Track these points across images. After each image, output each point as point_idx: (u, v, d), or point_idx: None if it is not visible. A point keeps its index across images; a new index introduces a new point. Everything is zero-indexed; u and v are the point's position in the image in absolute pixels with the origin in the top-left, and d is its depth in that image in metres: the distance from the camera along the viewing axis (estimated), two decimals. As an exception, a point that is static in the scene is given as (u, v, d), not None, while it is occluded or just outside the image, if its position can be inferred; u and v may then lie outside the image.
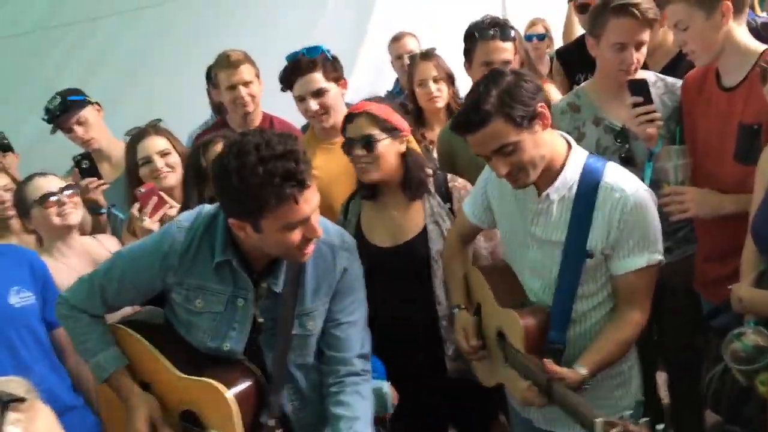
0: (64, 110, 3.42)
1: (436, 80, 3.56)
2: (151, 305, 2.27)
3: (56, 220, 2.72)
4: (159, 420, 2.06)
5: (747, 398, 2.04)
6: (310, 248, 1.95)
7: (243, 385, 2.02)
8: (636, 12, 2.53)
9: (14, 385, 1.06)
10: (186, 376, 2.04)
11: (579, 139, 2.76)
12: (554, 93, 3.50)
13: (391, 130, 2.54)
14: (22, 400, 1.03)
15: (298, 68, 2.94)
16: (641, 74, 2.71)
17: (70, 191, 2.78)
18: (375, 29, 5.26)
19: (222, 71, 3.51)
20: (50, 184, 2.76)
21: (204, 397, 2.01)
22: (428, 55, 3.64)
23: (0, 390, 1.02)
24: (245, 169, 1.78)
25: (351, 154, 2.57)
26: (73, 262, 2.77)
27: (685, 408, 3.17)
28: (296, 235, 1.88)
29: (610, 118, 2.74)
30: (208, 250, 2.03)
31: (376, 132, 2.52)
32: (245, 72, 3.49)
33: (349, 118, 2.59)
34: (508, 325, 2.17)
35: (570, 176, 2.12)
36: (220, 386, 1.97)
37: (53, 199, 2.71)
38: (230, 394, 1.96)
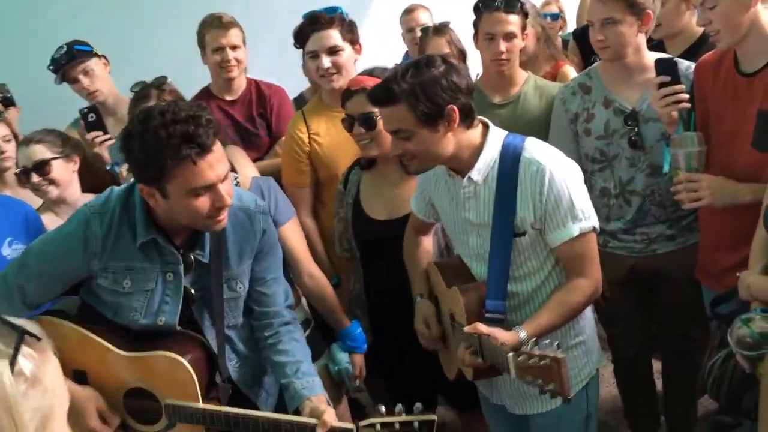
0: (70, 58, 3.37)
1: (450, 56, 3.51)
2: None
3: (35, 193, 2.73)
4: (105, 410, 2.08)
5: (747, 387, 2.03)
6: (223, 216, 1.96)
7: (192, 351, 2.08)
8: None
9: (31, 326, 1.06)
10: (133, 354, 2.04)
11: (588, 120, 2.76)
12: (573, 74, 3.46)
13: None
14: (38, 338, 1.04)
15: (316, 22, 2.91)
16: (654, 56, 2.67)
17: (45, 165, 2.71)
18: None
19: (210, 32, 3.43)
20: (29, 156, 2.71)
21: (156, 370, 2.04)
22: (441, 30, 3.58)
23: (20, 323, 1.04)
24: (147, 133, 1.83)
25: (351, 131, 2.59)
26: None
27: (679, 396, 3.18)
28: (203, 202, 1.90)
29: (621, 101, 2.71)
30: (128, 231, 2.03)
31: (375, 109, 2.48)
32: (234, 35, 3.43)
33: (348, 94, 2.59)
34: (454, 302, 2.19)
35: (490, 155, 2.12)
36: (176, 356, 2.01)
37: (26, 176, 2.70)
38: (186, 360, 2.02)
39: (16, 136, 3.11)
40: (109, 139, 3.09)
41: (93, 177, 2.98)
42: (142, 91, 2.88)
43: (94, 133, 3.06)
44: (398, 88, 2.00)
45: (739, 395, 2.08)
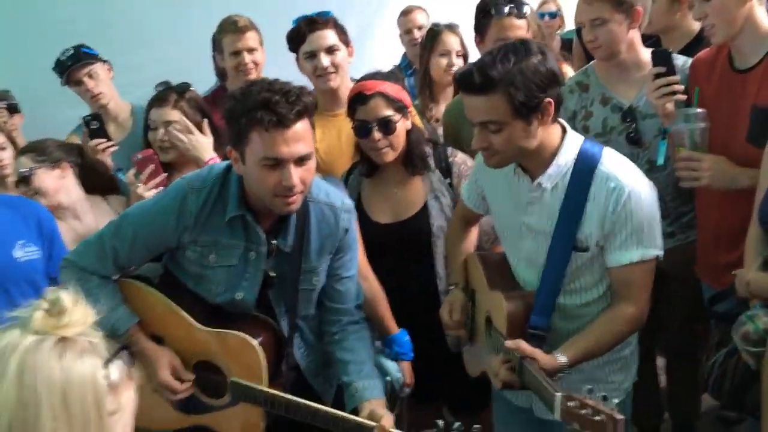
0: (76, 60, 3.40)
1: (458, 54, 3.54)
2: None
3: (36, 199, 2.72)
4: (180, 367, 2.15)
5: (750, 384, 2.04)
6: (293, 200, 1.97)
7: (263, 335, 2.11)
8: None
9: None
10: (207, 328, 2.11)
11: (586, 118, 2.76)
12: (569, 72, 3.47)
13: (403, 109, 2.52)
14: (132, 360, 1.18)
15: (312, 23, 2.93)
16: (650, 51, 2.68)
17: (26, 180, 2.71)
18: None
19: (227, 36, 3.48)
20: (17, 168, 2.72)
21: (227, 348, 2.09)
22: (453, 28, 3.62)
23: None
24: (243, 95, 1.93)
25: (366, 137, 2.52)
26: (73, 224, 2.79)
27: (683, 392, 3.19)
28: (273, 177, 1.92)
29: (618, 98, 2.72)
30: (221, 206, 2.08)
31: (391, 113, 2.49)
32: (251, 39, 3.47)
33: (361, 99, 2.51)
34: (495, 307, 2.13)
35: (563, 163, 2.01)
36: (248, 337, 2.05)
37: (23, 189, 2.71)
38: (257, 343, 2.05)
39: (14, 143, 3.13)
40: (112, 146, 3.11)
41: (99, 178, 2.99)
42: (161, 94, 2.91)
43: (96, 141, 3.09)
44: (497, 73, 1.85)
45: (741, 393, 2.08)
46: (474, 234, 2.51)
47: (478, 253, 2.43)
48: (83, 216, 2.82)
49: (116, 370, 1.12)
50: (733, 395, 2.11)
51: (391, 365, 2.51)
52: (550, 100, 1.91)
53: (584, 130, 2.76)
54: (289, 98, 1.88)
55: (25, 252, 2.39)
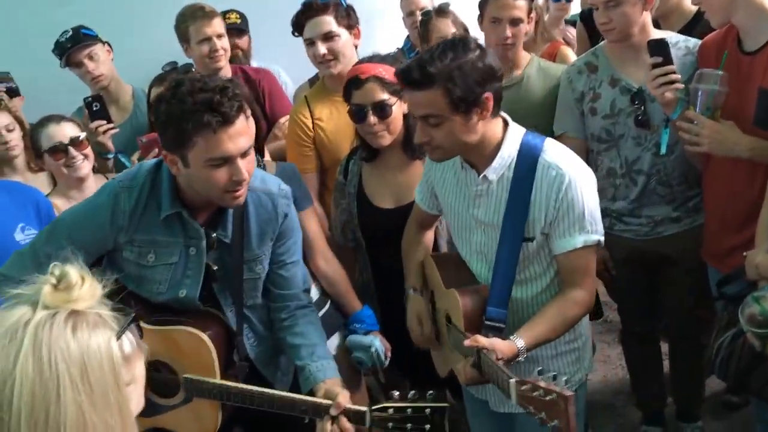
0: (75, 42, 3.37)
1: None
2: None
3: (65, 170, 2.75)
4: None
5: (756, 366, 2.04)
6: (241, 193, 1.97)
7: (212, 328, 2.10)
8: None
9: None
10: (155, 327, 2.07)
11: (594, 100, 2.74)
12: (571, 54, 3.44)
13: (399, 92, 2.48)
14: (140, 329, 1.21)
15: (309, 9, 2.90)
16: (663, 34, 2.66)
17: (81, 141, 2.75)
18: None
19: (194, 23, 3.38)
20: (62, 132, 2.75)
21: (177, 344, 2.07)
22: (444, 11, 3.58)
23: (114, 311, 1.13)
24: (175, 98, 1.88)
25: (362, 121, 2.51)
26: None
27: (686, 377, 3.19)
28: (222, 175, 1.91)
29: (627, 79, 2.69)
30: (154, 204, 2.06)
31: (387, 96, 2.47)
32: (217, 24, 3.41)
33: (356, 83, 2.50)
34: (452, 305, 2.14)
35: (507, 154, 2.04)
36: (197, 331, 2.04)
37: (63, 151, 2.73)
38: (206, 336, 2.05)
39: (21, 123, 3.11)
40: (113, 128, 3.09)
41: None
42: (163, 74, 2.91)
43: (97, 122, 3.07)
44: (435, 69, 1.89)
45: (747, 374, 2.08)
46: (429, 237, 2.52)
47: (432, 254, 2.44)
48: (86, 187, 2.83)
49: (128, 341, 1.13)
50: (739, 377, 2.11)
51: (367, 339, 2.56)
52: (489, 95, 1.94)
53: (592, 112, 2.74)
54: (228, 95, 1.86)
55: (26, 235, 2.40)
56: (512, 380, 1.72)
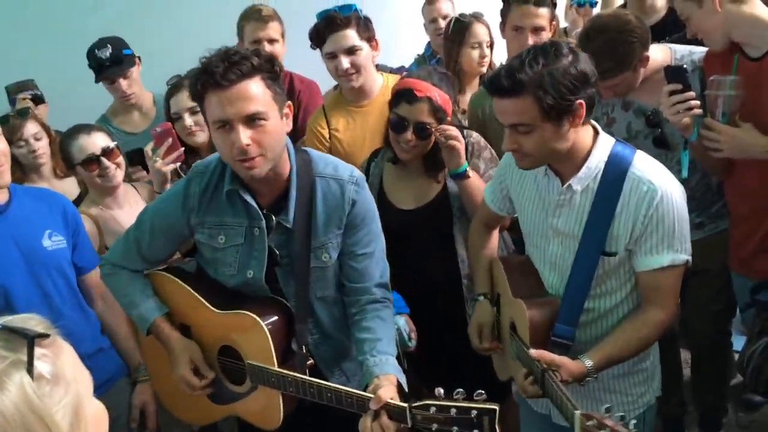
0: (116, 62, 3.37)
1: (488, 45, 3.51)
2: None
3: (99, 180, 2.78)
4: (200, 362, 2.18)
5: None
6: (252, 164, 1.93)
7: (274, 315, 2.10)
8: None
9: (33, 322, 1.04)
10: (221, 311, 2.13)
11: (609, 125, 2.71)
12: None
13: (443, 118, 2.51)
14: (46, 336, 1.02)
15: (332, 23, 2.88)
16: (665, 47, 2.64)
17: (112, 151, 2.78)
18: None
19: (249, 24, 3.44)
20: (94, 143, 2.76)
21: (240, 329, 2.10)
22: (480, 17, 3.58)
23: (23, 327, 1.01)
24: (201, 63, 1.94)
25: (400, 133, 2.51)
26: (116, 213, 2.83)
27: (710, 386, 3.15)
28: (227, 140, 1.91)
29: (640, 101, 2.66)
30: (222, 186, 2.11)
31: (431, 121, 2.48)
32: (272, 29, 3.43)
33: (410, 97, 2.49)
34: (518, 315, 2.08)
35: (595, 165, 1.95)
36: (255, 316, 2.05)
37: (96, 162, 2.75)
38: (262, 321, 2.05)
39: (48, 130, 3.15)
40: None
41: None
42: (177, 82, 2.95)
43: (134, 169, 3.09)
44: (525, 77, 1.80)
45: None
46: (495, 237, 2.47)
47: (501, 257, 2.40)
48: (124, 204, 2.87)
49: (42, 363, 0.99)
50: None
51: (399, 318, 2.52)
52: (582, 101, 1.85)
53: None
54: (231, 60, 1.87)
55: (53, 241, 2.42)
56: (577, 413, 1.61)
